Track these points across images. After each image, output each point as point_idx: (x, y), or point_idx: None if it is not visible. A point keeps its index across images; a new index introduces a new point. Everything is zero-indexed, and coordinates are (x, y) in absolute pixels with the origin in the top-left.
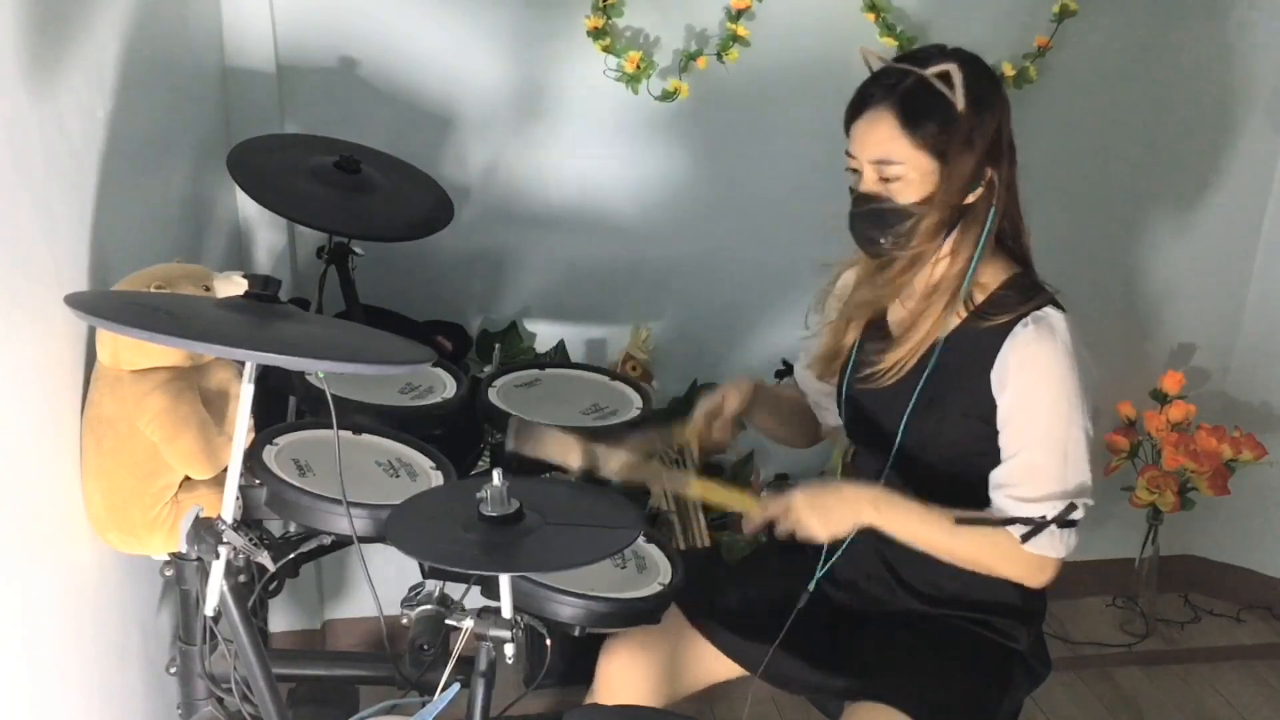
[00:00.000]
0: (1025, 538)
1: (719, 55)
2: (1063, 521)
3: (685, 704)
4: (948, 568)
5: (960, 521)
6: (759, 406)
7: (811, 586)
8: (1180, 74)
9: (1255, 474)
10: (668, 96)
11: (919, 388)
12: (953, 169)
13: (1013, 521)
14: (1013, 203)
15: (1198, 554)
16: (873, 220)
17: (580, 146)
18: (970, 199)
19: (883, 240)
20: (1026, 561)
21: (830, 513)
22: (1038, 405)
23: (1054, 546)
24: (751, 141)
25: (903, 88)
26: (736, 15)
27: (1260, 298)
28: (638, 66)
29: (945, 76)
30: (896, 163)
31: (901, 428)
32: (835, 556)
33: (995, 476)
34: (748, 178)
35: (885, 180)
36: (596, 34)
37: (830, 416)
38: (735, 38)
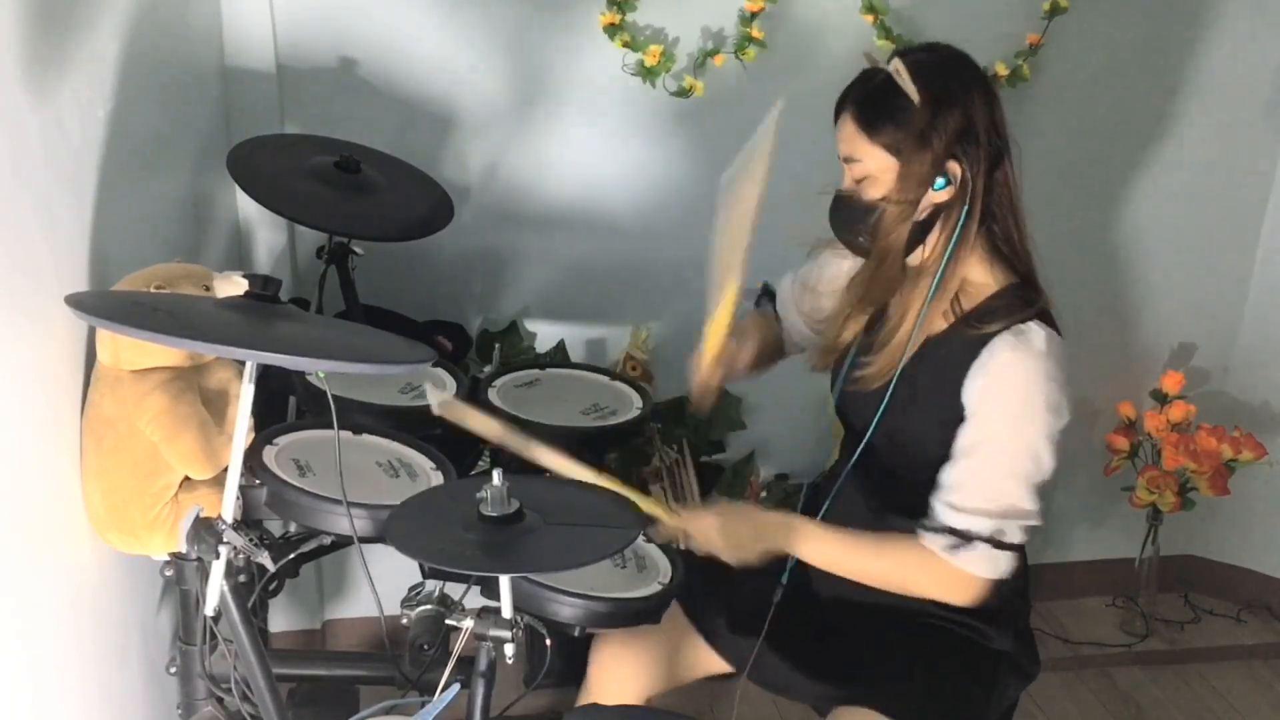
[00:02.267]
0: (954, 549)
1: (736, 54)
2: (998, 543)
3: (681, 697)
4: None
5: (881, 537)
6: (763, 355)
7: (785, 579)
8: (1176, 71)
9: (1255, 474)
10: (683, 93)
11: (891, 387)
12: (908, 165)
13: (940, 530)
14: (1006, 203)
15: (1198, 554)
16: (841, 216)
17: (581, 146)
18: (942, 197)
19: (859, 237)
20: (949, 575)
21: (738, 539)
22: (1000, 415)
23: (983, 565)
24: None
25: (867, 89)
26: (751, 17)
27: (1260, 298)
28: (658, 60)
29: (898, 74)
30: (858, 160)
31: (873, 426)
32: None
33: (940, 479)
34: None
35: (856, 180)
36: (612, 30)
37: (794, 347)
38: (750, 39)
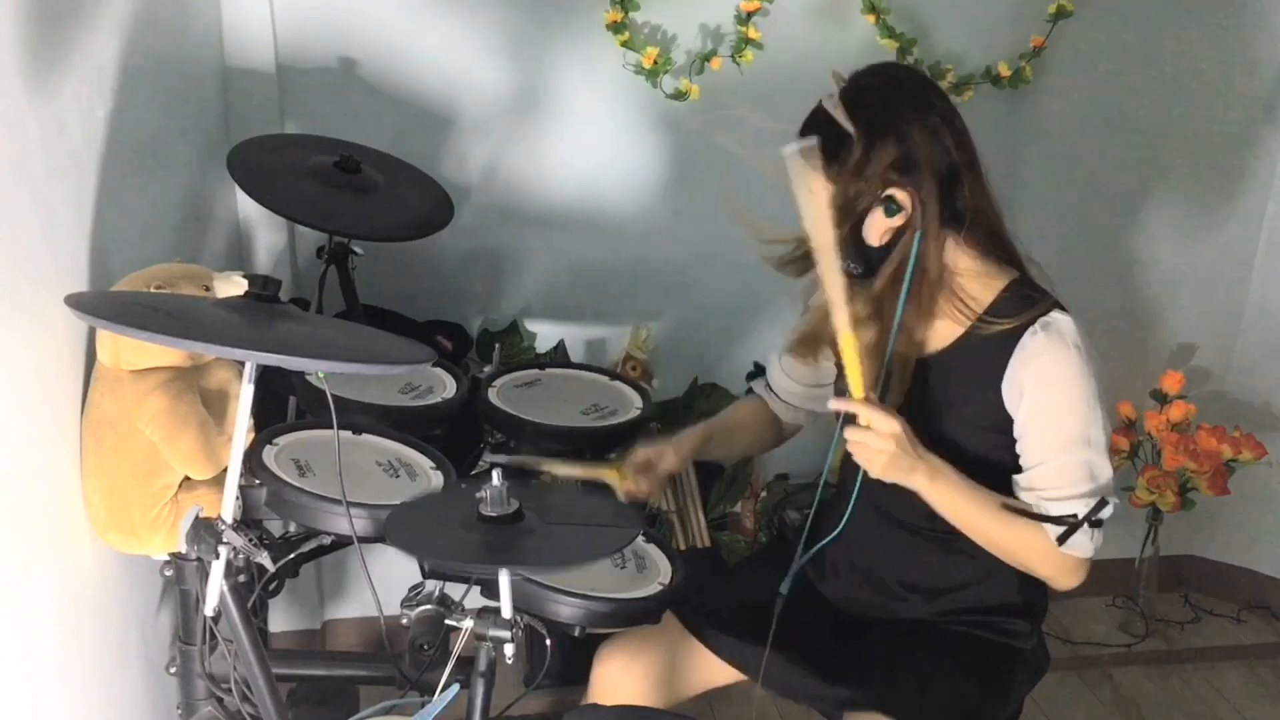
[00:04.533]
0: (1062, 539)
1: (734, 58)
2: (1093, 520)
3: (682, 709)
4: (950, 575)
5: (1005, 508)
6: (711, 449)
7: (784, 589)
8: (1178, 73)
9: (1255, 474)
10: (679, 96)
11: (881, 389)
12: (841, 194)
13: (1052, 520)
14: (980, 211)
15: (1198, 554)
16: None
17: (581, 146)
18: (898, 222)
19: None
20: (1060, 562)
21: (896, 460)
22: (1060, 412)
23: (1085, 546)
24: (755, 142)
25: (817, 117)
26: (747, 17)
27: (1260, 298)
28: (655, 63)
29: (834, 108)
30: (811, 190)
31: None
32: (809, 555)
33: (1023, 481)
34: (751, 178)
35: None
36: (615, 28)
37: (796, 415)
38: (747, 40)
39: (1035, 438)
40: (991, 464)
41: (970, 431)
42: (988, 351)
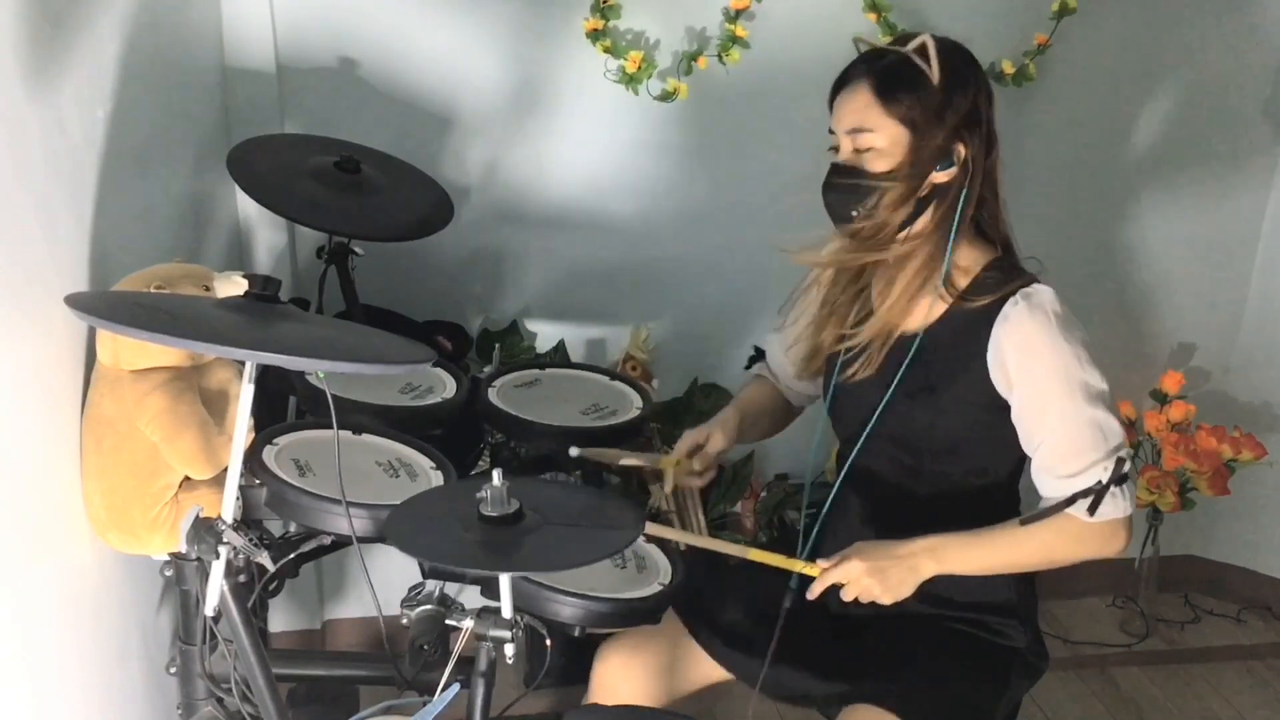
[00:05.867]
0: (1091, 509)
1: (719, 57)
2: (1117, 478)
3: (683, 705)
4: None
5: (1024, 523)
6: (746, 431)
7: (794, 584)
8: (1180, 72)
9: (1255, 474)
10: (667, 97)
11: (898, 380)
12: (921, 140)
13: (1073, 500)
14: (990, 188)
15: (1198, 554)
16: (842, 189)
17: (580, 146)
18: (942, 178)
19: (853, 211)
20: (1098, 533)
21: (888, 575)
22: (1049, 386)
23: (1118, 506)
24: (751, 141)
25: (882, 63)
26: (735, 15)
27: (1260, 298)
28: (639, 67)
29: (922, 49)
30: (869, 130)
31: (875, 417)
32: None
33: (1035, 465)
34: (747, 177)
35: (859, 151)
36: (595, 35)
37: (801, 399)
38: (734, 39)
39: (1034, 409)
40: (983, 442)
41: (961, 409)
42: (970, 326)
